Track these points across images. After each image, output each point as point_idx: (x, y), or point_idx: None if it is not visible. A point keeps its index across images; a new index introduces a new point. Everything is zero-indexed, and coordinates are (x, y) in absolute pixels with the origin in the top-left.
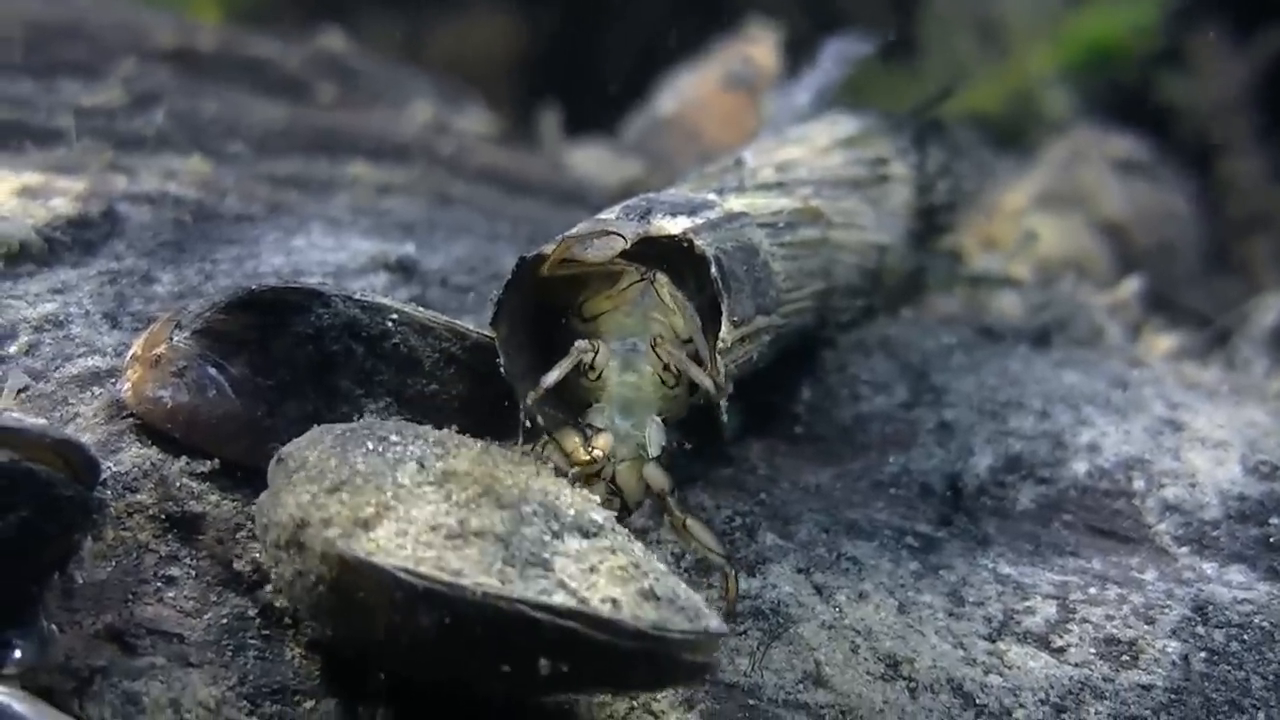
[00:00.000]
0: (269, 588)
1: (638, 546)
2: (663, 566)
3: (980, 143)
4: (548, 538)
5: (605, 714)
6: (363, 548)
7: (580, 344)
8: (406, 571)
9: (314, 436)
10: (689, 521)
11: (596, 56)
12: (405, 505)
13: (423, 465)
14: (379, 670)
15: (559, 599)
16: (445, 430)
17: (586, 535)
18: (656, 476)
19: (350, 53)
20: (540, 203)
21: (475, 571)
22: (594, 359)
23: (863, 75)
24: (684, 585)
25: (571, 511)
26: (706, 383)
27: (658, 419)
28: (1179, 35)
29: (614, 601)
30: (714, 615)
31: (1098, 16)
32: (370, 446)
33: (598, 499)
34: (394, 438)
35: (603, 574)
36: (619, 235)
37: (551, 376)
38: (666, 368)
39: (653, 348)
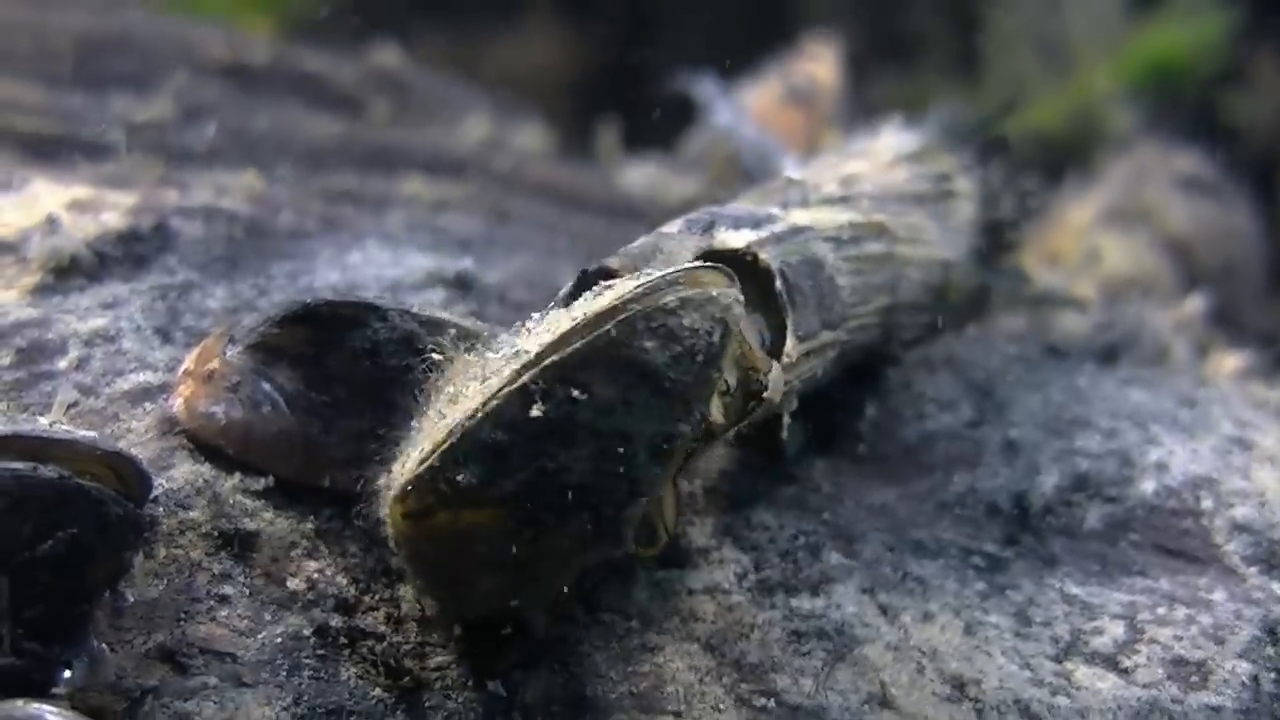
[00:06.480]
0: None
1: None
2: None
3: (1025, 169)
4: None
5: None
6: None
7: None
8: None
9: None
10: None
11: (652, 72)
12: None
13: None
14: None
15: None
16: None
17: None
18: None
19: (405, 68)
20: (597, 219)
21: None
22: None
23: (924, 92)
24: None
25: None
26: None
27: None
28: (1241, 54)
29: None
30: None
31: (1160, 35)
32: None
33: None
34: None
35: None
36: (685, 249)
37: None
38: None
39: None
